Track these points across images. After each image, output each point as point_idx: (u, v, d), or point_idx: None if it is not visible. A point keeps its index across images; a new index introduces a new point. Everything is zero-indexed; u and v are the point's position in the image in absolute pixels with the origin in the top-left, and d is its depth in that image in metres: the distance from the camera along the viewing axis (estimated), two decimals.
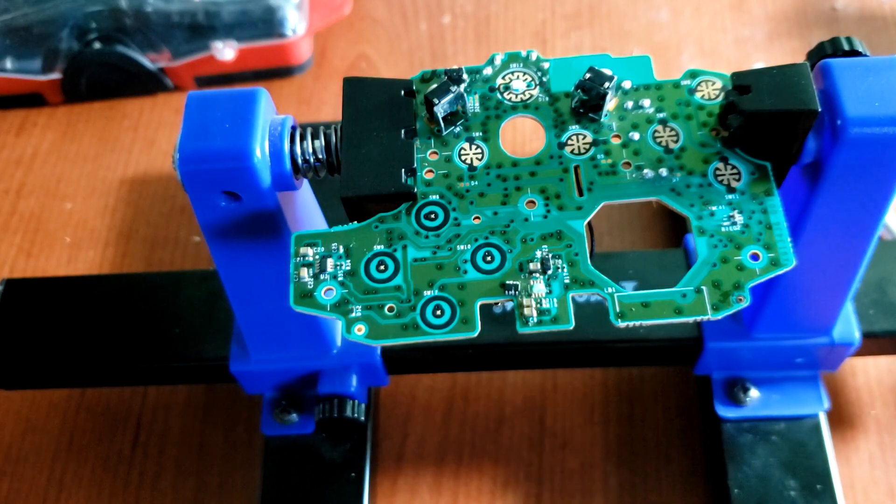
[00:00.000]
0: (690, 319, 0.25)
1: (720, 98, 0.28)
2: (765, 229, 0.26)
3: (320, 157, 0.29)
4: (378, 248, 0.27)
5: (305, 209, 0.32)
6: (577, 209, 0.27)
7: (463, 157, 0.28)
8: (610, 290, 0.26)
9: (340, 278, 0.26)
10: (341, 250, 0.27)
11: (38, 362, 0.36)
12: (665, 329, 0.35)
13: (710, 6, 0.51)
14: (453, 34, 0.51)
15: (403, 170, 0.27)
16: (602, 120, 0.28)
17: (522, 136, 0.46)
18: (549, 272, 0.26)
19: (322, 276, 0.26)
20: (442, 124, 0.28)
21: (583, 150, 0.28)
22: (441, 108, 0.28)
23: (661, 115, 0.28)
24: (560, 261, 0.26)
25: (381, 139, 0.28)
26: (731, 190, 0.27)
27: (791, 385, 0.36)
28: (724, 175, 0.27)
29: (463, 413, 0.40)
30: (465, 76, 0.29)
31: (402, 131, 0.28)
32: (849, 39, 0.28)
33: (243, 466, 0.39)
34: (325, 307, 0.26)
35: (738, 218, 0.26)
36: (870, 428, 0.38)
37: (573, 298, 0.26)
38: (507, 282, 0.26)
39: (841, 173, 0.27)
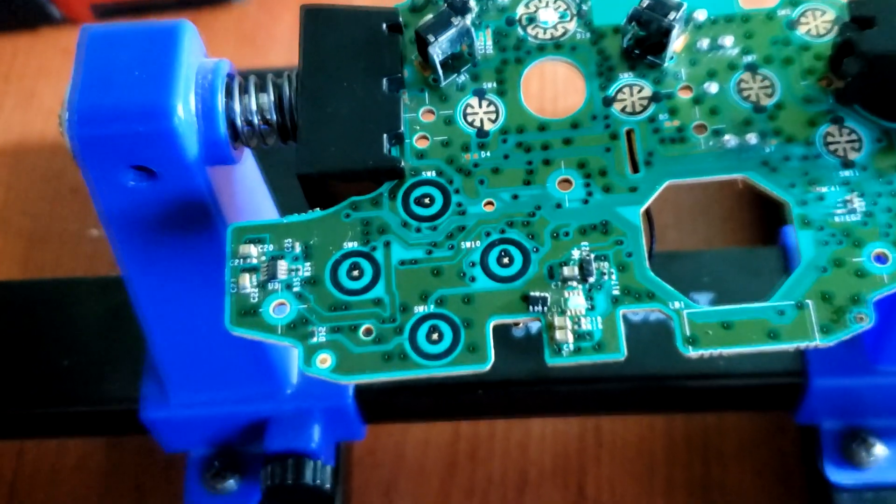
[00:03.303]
0: (790, 347, 0.25)
1: (832, 34, 0.28)
2: (895, 219, 0.26)
3: (269, 117, 0.29)
4: (350, 245, 0.27)
5: (248, 191, 0.32)
6: (631, 191, 0.27)
7: (470, 119, 0.28)
8: (676, 304, 0.26)
9: (297, 288, 0.26)
10: (298, 249, 0.27)
11: None
12: (754, 360, 0.35)
13: None
14: None
15: (386, 136, 0.27)
16: (666, 65, 0.29)
17: (553, 89, 0.45)
18: (592, 280, 0.26)
19: (271, 286, 0.26)
20: (440, 72, 0.28)
21: (638, 109, 0.28)
22: (439, 49, 0.28)
23: (748, 59, 0.29)
24: (606, 264, 0.26)
25: (355, 93, 0.28)
26: (847, 164, 0.27)
27: None
28: (837, 143, 0.27)
29: (470, 478, 0.40)
30: (472, 3, 0.29)
31: (385, 82, 0.28)
32: None
33: None
34: (274, 329, 0.26)
35: (858, 203, 0.27)
36: None
37: (625, 317, 0.26)
38: (532, 293, 0.26)
39: None
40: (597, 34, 0.29)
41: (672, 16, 0.27)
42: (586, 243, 0.26)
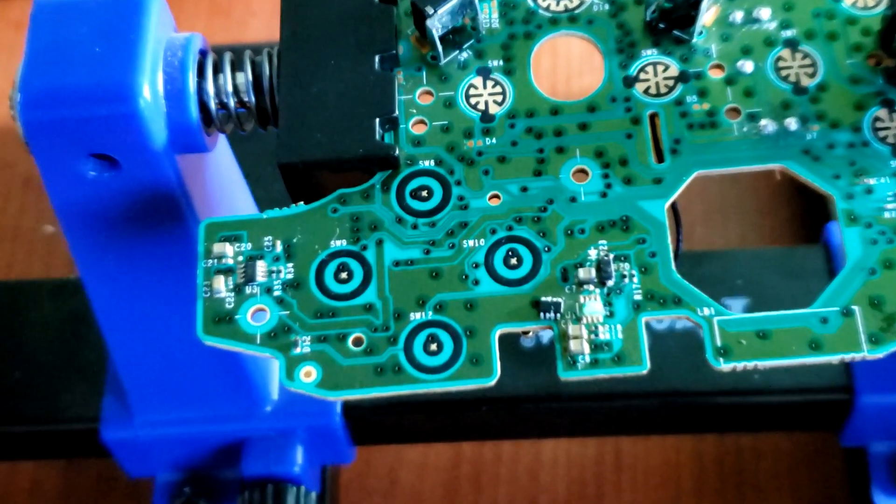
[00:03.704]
0: (835, 359, 0.25)
1: (882, 6, 0.28)
2: None
3: (246, 99, 0.29)
4: (338, 244, 0.27)
5: (222, 183, 0.32)
6: (655, 183, 0.27)
7: (473, 101, 0.28)
8: (706, 311, 0.26)
9: (278, 292, 0.26)
10: (279, 248, 0.27)
11: None
12: (794, 374, 0.35)
13: None
14: None
15: (378, 120, 0.27)
16: (695, 41, 0.29)
17: (567, 67, 0.45)
18: (610, 283, 0.26)
19: (249, 290, 0.26)
20: (440, 48, 0.28)
21: (663, 90, 0.28)
22: (438, 22, 0.28)
23: (788, 34, 0.29)
24: (627, 265, 0.26)
25: (343, 71, 0.28)
26: None
27: None
28: (888, 129, 0.27)
29: None
30: None
31: (377, 59, 0.28)
32: None
33: None
34: (252, 338, 0.26)
35: None
36: None
37: (648, 325, 0.26)
38: (544, 298, 0.26)
39: None
40: (617, 5, 0.29)
41: None
42: (604, 242, 0.26)
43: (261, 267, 0.26)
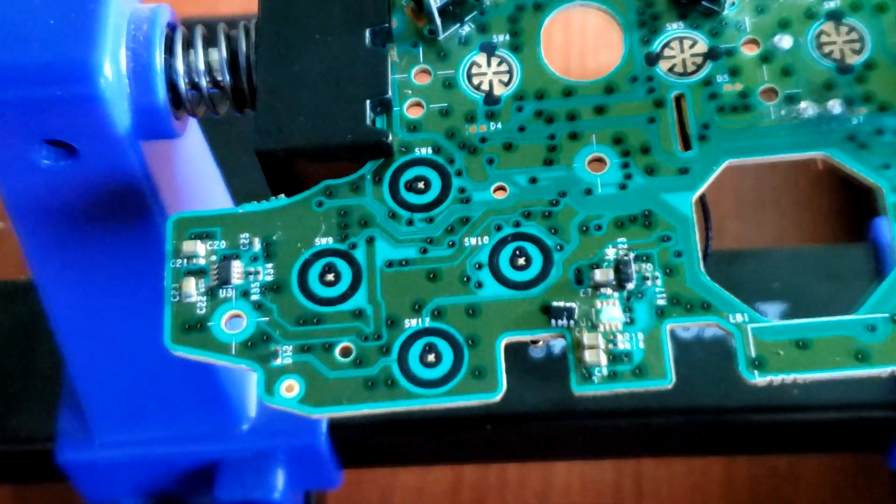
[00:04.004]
0: (883, 371, 0.25)
1: None
2: None
3: (220, 78, 0.29)
4: (324, 242, 0.27)
5: (193, 173, 0.32)
6: (681, 173, 0.27)
7: (476, 81, 0.28)
8: (738, 317, 0.26)
9: (256, 296, 0.26)
10: (257, 246, 0.27)
11: None
12: (837, 389, 0.35)
13: None
14: None
15: (369, 102, 0.27)
16: (725, 13, 0.29)
17: (581, 42, 0.45)
18: (631, 286, 0.26)
19: (223, 293, 0.26)
20: (438, 21, 0.28)
21: (690, 68, 0.28)
22: None
23: (831, 5, 0.29)
24: (650, 265, 0.26)
25: (329, 47, 0.28)
26: None
27: None
28: None
29: None
30: None
31: (367, 33, 0.28)
32: None
33: None
34: (227, 348, 0.26)
35: None
36: None
37: (673, 333, 0.26)
38: (555, 303, 0.26)
39: None
40: None
41: None
42: (624, 240, 0.26)
43: (237, 267, 0.26)
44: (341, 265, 0.26)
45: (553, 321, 0.26)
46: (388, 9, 0.29)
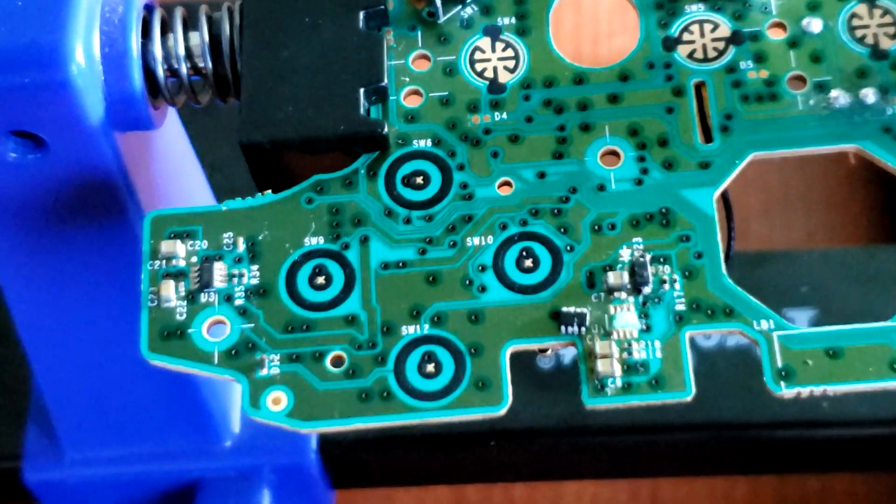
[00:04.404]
0: None
1: None
2: None
3: (201, 64, 0.28)
4: (314, 242, 0.26)
5: (172, 167, 0.31)
6: (701, 168, 0.27)
7: (479, 67, 0.28)
8: (765, 324, 0.25)
9: (240, 301, 0.26)
10: (241, 247, 0.26)
11: None
12: (871, 402, 0.35)
13: None
14: None
15: (363, 91, 0.27)
16: None
17: (594, 26, 0.45)
18: (647, 290, 0.25)
19: (204, 298, 0.26)
20: (439, 2, 0.28)
21: (712, 54, 0.28)
22: None
23: None
24: (668, 267, 0.26)
25: (320, 31, 0.27)
26: None
27: None
28: None
29: None
30: None
31: (361, 15, 0.28)
32: None
33: None
34: (209, 357, 0.25)
35: None
36: None
37: (693, 341, 0.25)
38: (565, 308, 0.25)
39: None
40: None
41: None
42: (639, 239, 0.26)
43: (219, 269, 0.26)
44: (333, 267, 0.26)
45: (563, 328, 0.25)
46: None
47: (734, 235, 0.27)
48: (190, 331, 0.25)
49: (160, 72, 0.28)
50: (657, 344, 0.25)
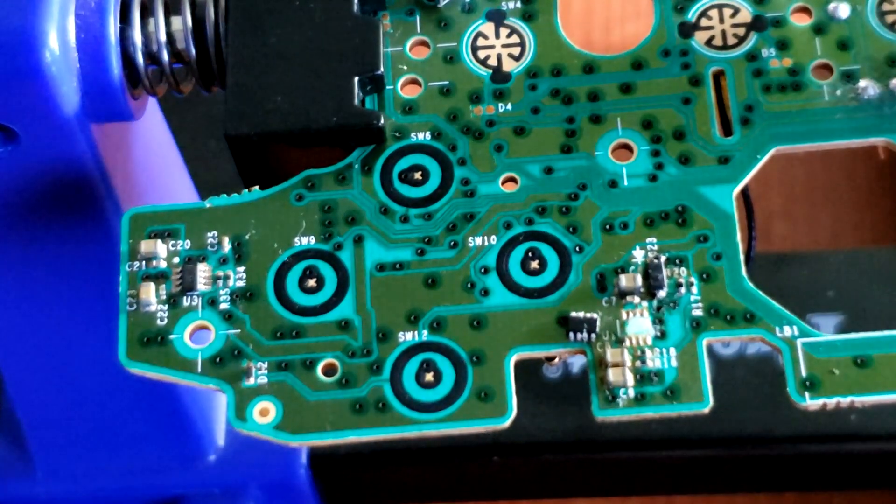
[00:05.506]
0: None
1: None
2: None
3: (183, 51, 0.28)
4: (304, 241, 0.26)
5: (152, 162, 0.31)
6: (720, 163, 0.26)
7: (482, 55, 0.28)
8: (788, 330, 0.25)
9: (225, 305, 0.26)
10: (227, 247, 0.26)
11: None
12: None
13: None
14: None
15: (357, 80, 0.27)
16: None
17: (605, 10, 0.45)
18: (662, 294, 0.25)
19: (187, 301, 0.26)
20: None
21: (732, 41, 0.28)
22: None
23: None
24: (685, 270, 0.25)
25: (311, 15, 0.27)
26: None
27: None
28: None
29: None
30: None
31: (356, 0, 0.28)
32: None
33: None
34: (192, 365, 0.25)
35: None
36: None
37: (711, 348, 0.25)
38: (574, 314, 0.25)
39: None
40: None
41: None
42: (654, 240, 0.26)
43: (203, 271, 0.26)
44: (325, 269, 0.26)
45: (571, 335, 0.25)
46: None
47: (755, 235, 0.27)
48: (171, 337, 0.25)
49: (140, 59, 0.28)
50: (672, 352, 0.25)
